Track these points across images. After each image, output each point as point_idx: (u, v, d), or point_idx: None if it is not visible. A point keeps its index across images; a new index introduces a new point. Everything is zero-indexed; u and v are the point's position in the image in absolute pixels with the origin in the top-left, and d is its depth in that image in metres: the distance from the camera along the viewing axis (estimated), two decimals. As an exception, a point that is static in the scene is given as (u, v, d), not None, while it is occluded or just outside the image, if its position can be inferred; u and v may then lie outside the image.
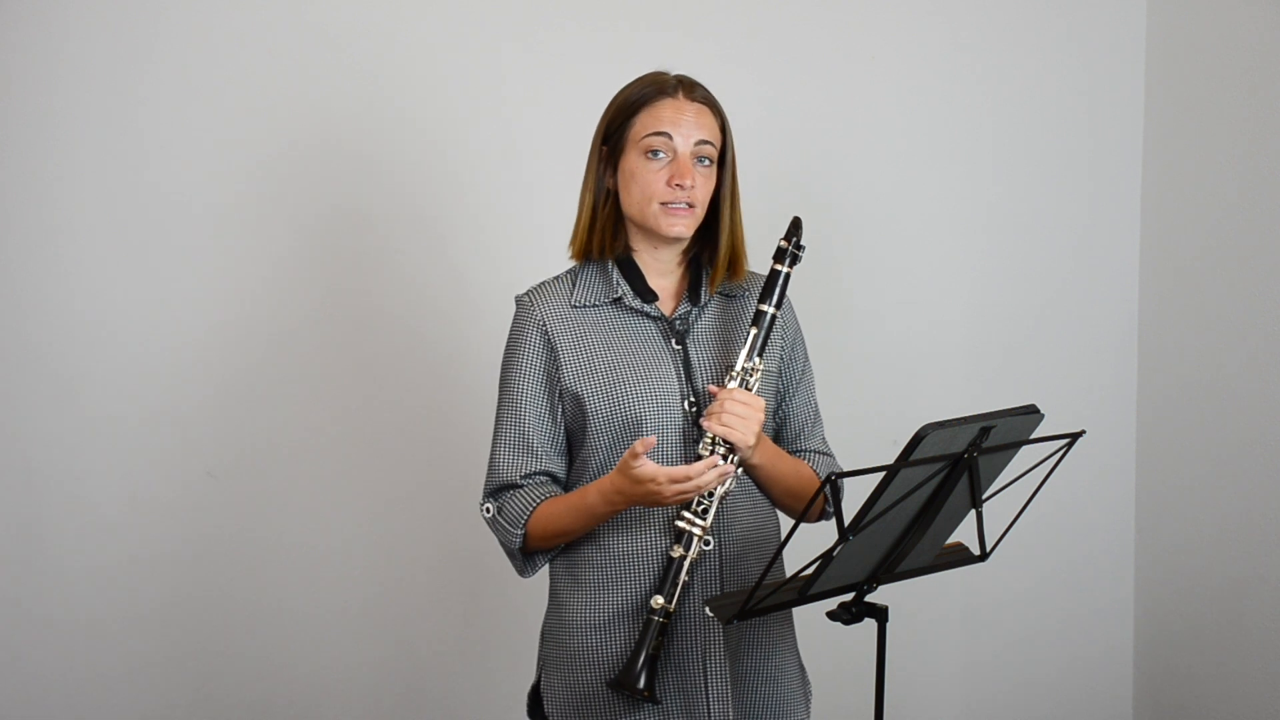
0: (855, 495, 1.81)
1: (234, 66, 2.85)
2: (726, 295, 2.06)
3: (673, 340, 1.99)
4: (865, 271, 3.15)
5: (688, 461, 1.94)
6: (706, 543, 1.92)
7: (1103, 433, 3.13)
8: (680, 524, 1.89)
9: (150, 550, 2.87)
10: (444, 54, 2.93)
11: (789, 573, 1.93)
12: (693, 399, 1.96)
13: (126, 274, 2.84)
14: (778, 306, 1.95)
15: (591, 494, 1.90)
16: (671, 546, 1.90)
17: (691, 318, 2.01)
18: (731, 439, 1.88)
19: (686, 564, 1.88)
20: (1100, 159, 3.24)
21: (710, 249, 2.03)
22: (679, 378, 1.97)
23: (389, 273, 2.94)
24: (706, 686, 1.94)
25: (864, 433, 3.08)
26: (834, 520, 1.80)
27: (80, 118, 2.79)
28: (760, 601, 1.86)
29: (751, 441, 1.89)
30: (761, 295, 1.95)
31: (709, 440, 1.90)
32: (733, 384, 1.91)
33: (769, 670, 2.03)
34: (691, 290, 2.02)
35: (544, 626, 2.07)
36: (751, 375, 1.91)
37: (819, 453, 2.11)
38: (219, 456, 2.89)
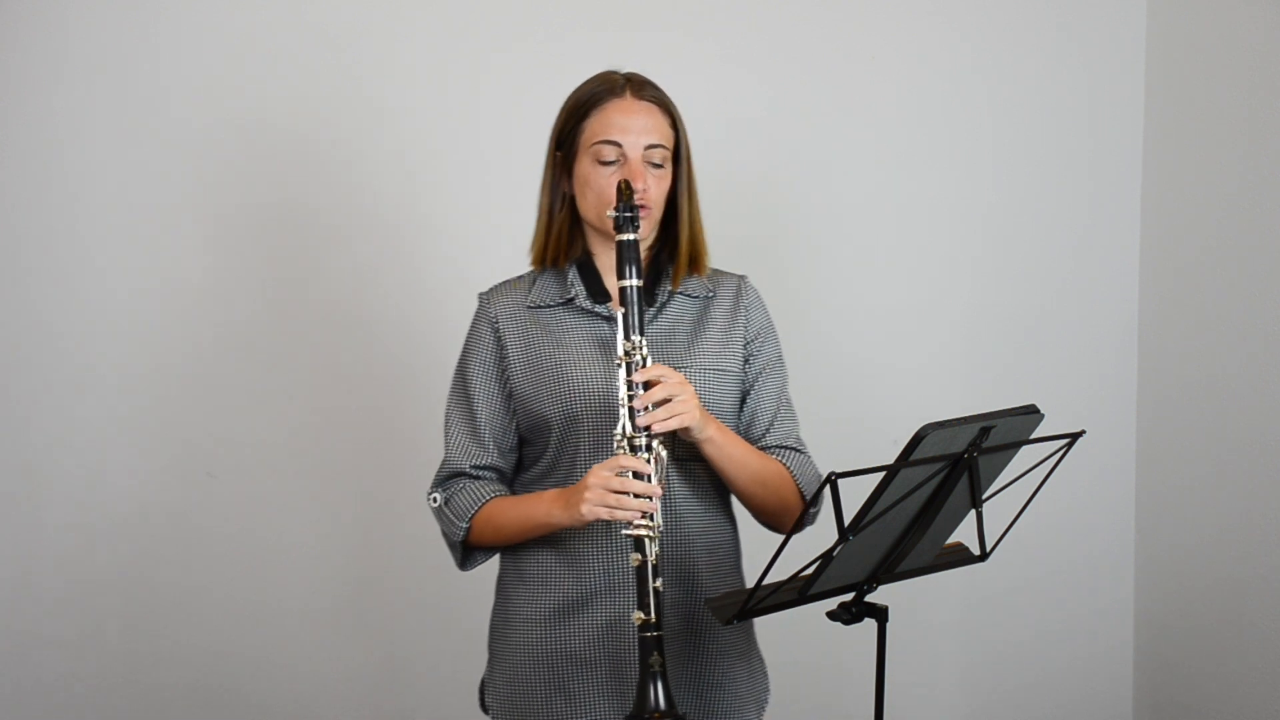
0: (855, 495, 1.81)
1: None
2: (689, 296, 2.02)
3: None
4: (865, 271, 3.15)
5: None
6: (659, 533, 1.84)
7: (1103, 433, 3.12)
8: (627, 531, 1.82)
9: (148, 551, 2.88)
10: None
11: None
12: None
13: (115, 275, 2.85)
14: (639, 278, 1.84)
15: (539, 502, 1.89)
16: (630, 556, 1.82)
17: (646, 319, 1.97)
18: (685, 423, 1.82)
19: (650, 569, 1.80)
20: (1100, 159, 3.24)
21: (670, 247, 2.01)
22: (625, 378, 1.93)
23: (386, 275, 2.94)
24: None
25: (864, 433, 3.09)
26: (820, 521, 1.78)
27: (79, 117, 2.79)
28: (760, 601, 1.86)
29: (698, 415, 1.83)
30: (619, 271, 1.83)
31: (644, 442, 1.81)
32: (620, 370, 1.82)
33: (714, 676, 1.99)
34: (648, 291, 1.98)
35: (491, 620, 2.06)
36: (634, 353, 1.82)
37: (788, 448, 2.03)
38: (194, 457, 2.90)
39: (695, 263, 2.01)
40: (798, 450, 2.06)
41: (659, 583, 1.81)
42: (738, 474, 1.95)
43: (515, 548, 1.99)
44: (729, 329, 2.02)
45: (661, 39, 2.98)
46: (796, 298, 3.12)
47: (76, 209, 2.82)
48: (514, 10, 2.95)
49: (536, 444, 1.99)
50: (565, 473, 1.96)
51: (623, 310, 1.84)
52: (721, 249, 3.04)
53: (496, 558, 2.06)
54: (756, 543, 2.13)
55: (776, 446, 2.04)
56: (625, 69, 2.00)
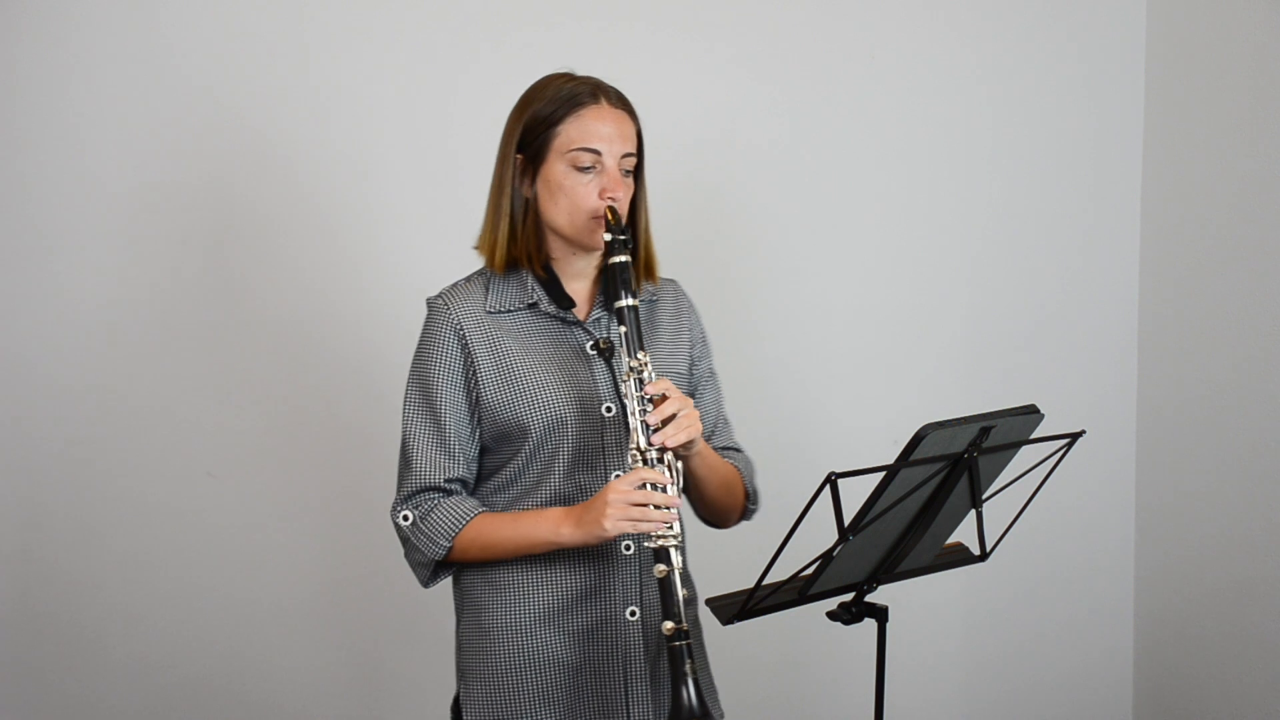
0: (855, 495, 1.81)
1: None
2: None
3: (589, 344, 1.96)
4: (865, 271, 3.15)
5: (606, 462, 1.93)
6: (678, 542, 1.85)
7: (1103, 433, 3.13)
8: (650, 544, 1.82)
9: (149, 550, 2.88)
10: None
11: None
12: (608, 405, 1.93)
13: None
14: (634, 296, 1.86)
15: (541, 521, 1.87)
16: (655, 567, 1.82)
17: (604, 322, 1.98)
18: (692, 436, 1.84)
19: (678, 578, 1.81)
20: (1100, 159, 3.24)
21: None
22: (599, 381, 1.94)
23: (372, 273, 2.93)
24: (627, 691, 1.93)
25: (864, 433, 3.09)
26: (820, 521, 1.78)
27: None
28: (760, 601, 1.87)
29: (700, 427, 1.87)
30: (615, 292, 1.86)
31: (656, 454, 1.83)
32: (628, 384, 1.84)
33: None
34: (605, 295, 1.98)
35: (460, 637, 2.02)
36: (644, 370, 1.85)
37: (730, 449, 2.09)
38: (196, 457, 2.90)
39: (649, 269, 2.02)
40: (738, 450, 2.11)
41: (685, 591, 1.81)
42: (710, 479, 1.98)
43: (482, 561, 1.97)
44: (676, 331, 2.05)
45: (659, 39, 2.98)
46: (795, 298, 3.12)
47: (60, 209, 2.82)
48: (485, 9, 2.92)
49: (500, 453, 1.96)
50: (533, 482, 1.94)
51: (624, 329, 1.84)
52: (721, 249, 3.07)
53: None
54: (708, 538, 2.15)
55: (722, 448, 2.08)
56: (580, 70, 1.97)
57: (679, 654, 1.78)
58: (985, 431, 1.83)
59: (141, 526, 2.88)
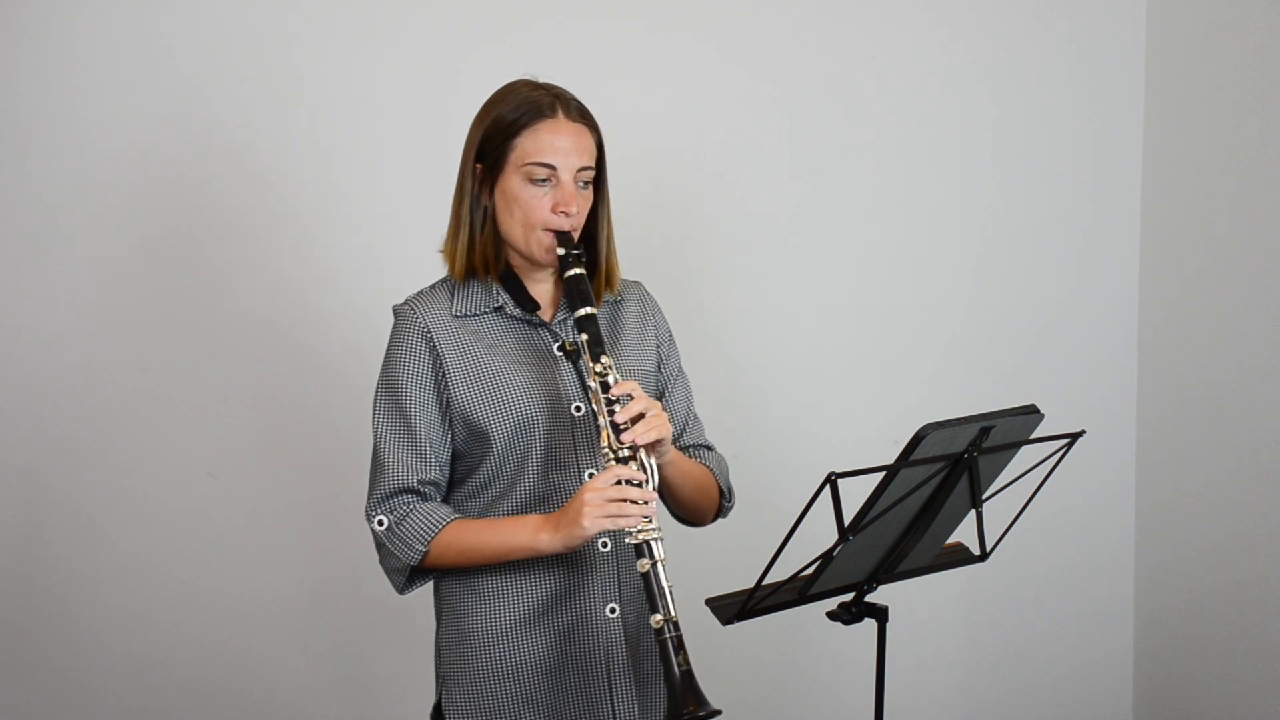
0: (855, 495, 1.81)
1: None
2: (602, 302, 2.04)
3: (555, 346, 1.97)
4: (865, 271, 3.15)
5: (579, 461, 1.94)
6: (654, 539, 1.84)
7: (1103, 433, 3.13)
8: (630, 540, 1.82)
9: (148, 549, 2.88)
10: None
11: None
12: (578, 405, 1.94)
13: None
14: (592, 305, 1.88)
15: (519, 528, 1.87)
16: (638, 562, 1.81)
17: (570, 323, 1.99)
18: (663, 434, 1.84)
19: (662, 569, 1.80)
20: (1100, 159, 3.24)
21: (588, 266, 1.97)
22: (567, 381, 1.95)
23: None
24: (611, 689, 1.93)
25: (864, 433, 3.09)
26: (820, 521, 1.78)
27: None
28: (760, 601, 1.87)
29: (670, 428, 1.87)
30: (575, 303, 1.89)
31: (628, 453, 1.84)
32: (598, 389, 1.84)
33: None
34: (568, 298, 1.97)
35: (439, 642, 2.02)
36: (609, 373, 1.85)
37: (702, 446, 2.10)
38: (197, 457, 2.90)
39: (609, 280, 2.03)
40: (709, 448, 2.11)
41: (670, 584, 1.80)
42: (684, 485, 1.99)
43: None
44: (641, 332, 2.06)
45: (659, 39, 2.98)
46: (795, 298, 3.12)
47: (58, 210, 2.81)
48: (483, 9, 2.92)
49: (471, 457, 1.96)
50: (507, 484, 1.94)
51: (585, 335, 1.85)
52: (721, 249, 3.07)
53: None
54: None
55: (692, 446, 2.08)
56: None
57: (668, 647, 1.76)
58: (985, 431, 1.83)
59: (141, 526, 2.88)
